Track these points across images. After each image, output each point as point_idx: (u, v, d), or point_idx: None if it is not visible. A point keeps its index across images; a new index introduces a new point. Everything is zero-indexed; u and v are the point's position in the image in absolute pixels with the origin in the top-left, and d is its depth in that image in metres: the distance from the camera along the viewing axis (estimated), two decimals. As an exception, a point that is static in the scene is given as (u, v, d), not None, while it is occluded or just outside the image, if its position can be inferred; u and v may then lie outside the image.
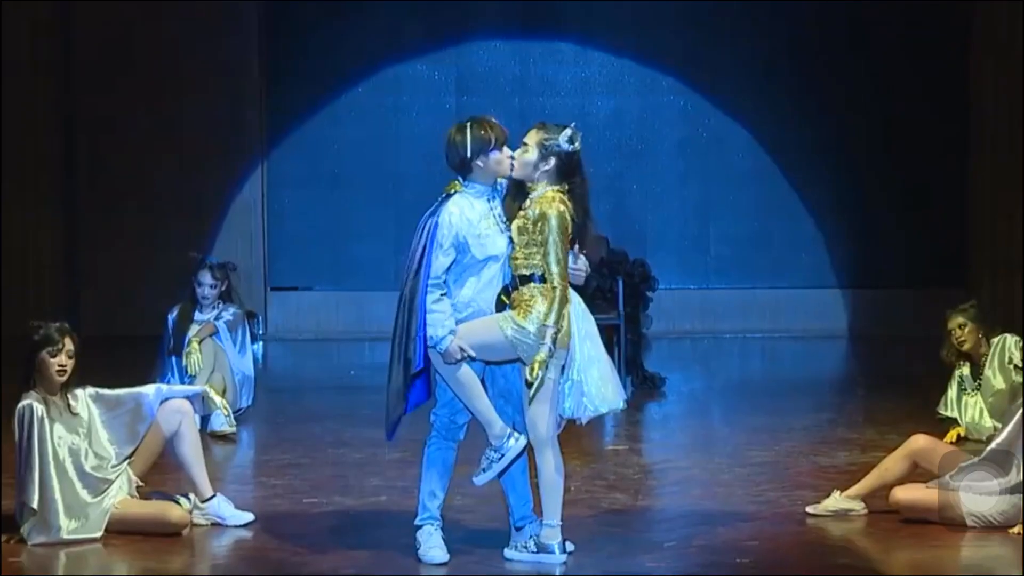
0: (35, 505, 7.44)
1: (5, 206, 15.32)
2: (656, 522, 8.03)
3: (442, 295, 7.06)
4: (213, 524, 7.75)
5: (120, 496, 7.67)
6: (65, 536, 7.47)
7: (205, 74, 15.51)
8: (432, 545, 6.97)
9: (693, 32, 15.87)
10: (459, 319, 7.12)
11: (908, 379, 11.89)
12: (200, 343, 10.67)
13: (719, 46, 15.88)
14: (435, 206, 7.18)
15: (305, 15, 15.76)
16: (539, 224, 6.83)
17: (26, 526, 7.46)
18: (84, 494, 7.66)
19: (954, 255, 15.40)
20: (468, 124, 7.14)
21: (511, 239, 7.18)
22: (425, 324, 7.08)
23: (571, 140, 6.94)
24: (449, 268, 7.09)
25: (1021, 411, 7.45)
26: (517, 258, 6.95)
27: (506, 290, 7.24)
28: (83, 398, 7.72)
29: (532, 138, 6.99)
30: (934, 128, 15.81)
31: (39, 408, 7.54)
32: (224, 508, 7.78)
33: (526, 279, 6.87)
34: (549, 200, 6.76)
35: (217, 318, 10.73)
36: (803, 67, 15.82)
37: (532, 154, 6.91)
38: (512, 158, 7.28)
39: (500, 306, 7.34)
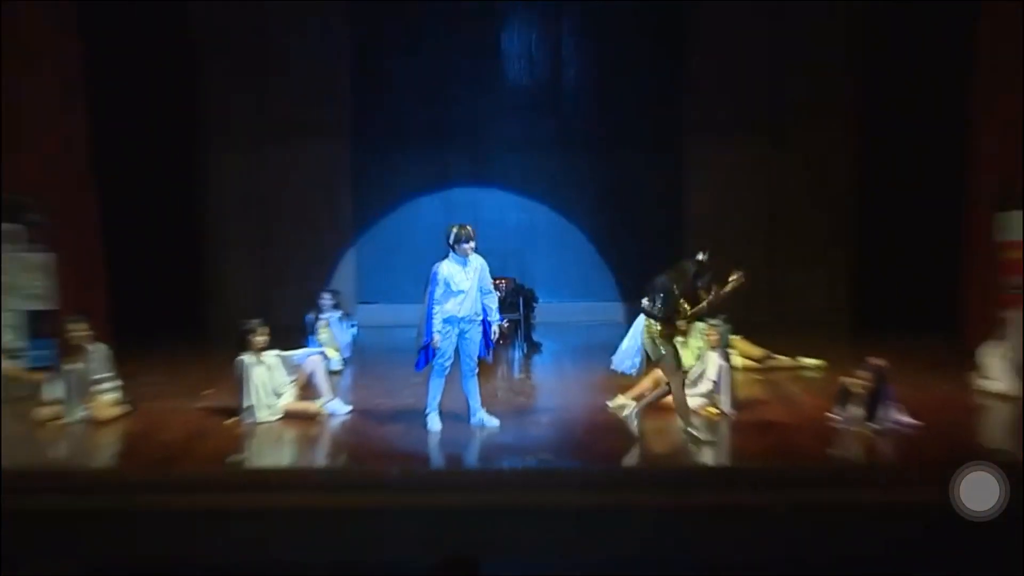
0: (245, 404, 9.71)
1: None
2: (534, 413, 10.34)
3: (438, 308, 9.20)
4: (330, 414, 9.96)
5: (288, 400, 9.99)
6: (263, 419, 9.70)
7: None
8: (433, 421, 9.31)
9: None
10: (447, 317, 9.23)
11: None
12: (326, 326, 12.80)
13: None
14: (438, 263, 9.35)
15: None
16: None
17: (243, 415, 9.72)
18: (271, 399, 9.85)
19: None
20: (456, 226, 9.26)
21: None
22: (431, 323, 9.20)
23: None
24: (443, 294, 9.20)
25: (715, 357, 10.19)
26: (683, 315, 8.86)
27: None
28: (269, 356, 10.01)
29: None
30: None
31: (248, 359, 9.88)
32: (337, 405, 10.05)
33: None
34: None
35: (332, 316, 12.86)
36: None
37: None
38: (474, 250, 9.17)
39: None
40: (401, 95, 15.73)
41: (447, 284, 9.28)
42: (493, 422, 9.63)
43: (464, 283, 9.27)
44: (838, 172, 15.52)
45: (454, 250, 9.32)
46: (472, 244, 9.24)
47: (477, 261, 9.37)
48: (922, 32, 14.02)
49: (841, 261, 15.22)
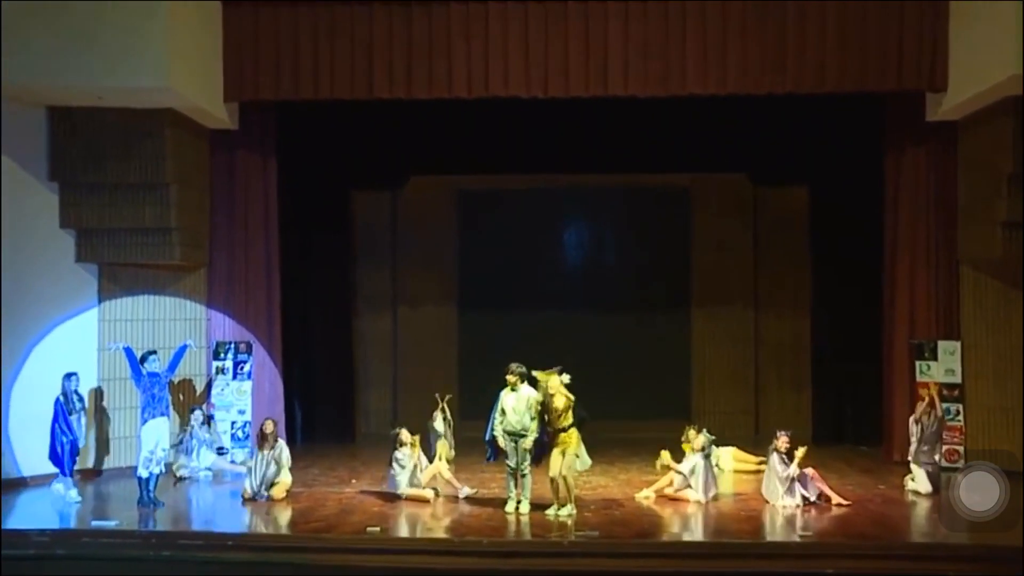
0: (396, 477, 9.81)
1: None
2: (586, 501, 9.83)
3: (500, 421, 9.35)
4: (452, 495, 10.06)
5: (411, 489, 10.14)
6: (401, 492, 9.97)
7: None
8: (510, 506, 9.34)
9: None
10: (505, 429, 9.29)
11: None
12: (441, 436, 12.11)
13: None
14: (500, 390, 9.45)
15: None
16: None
17: (389, 485, 9.89)
18: (408, 479, 10.10)
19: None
20: (510, 366, 9.34)
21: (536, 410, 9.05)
22: (492, 429, 9.37)
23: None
24: (501, 412, 9.35)
25: (699, 458, 9.98)
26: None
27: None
28: (412, 454, 10.12)
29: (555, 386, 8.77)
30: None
31: (399, 454, 9.98)
32: (464, 491, 10.12)
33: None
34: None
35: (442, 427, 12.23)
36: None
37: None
38: (520, 382, 9.07)
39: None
40: (492, 269, 15.06)
41: (503, 407, 9.41)
42: (525, 509, 9.46)
43: (513, 406, 9.33)
44: (799, 329, 14.75)
45: (508, 382, 9.43)
46: (514, 378, 9.22)
47: (526, 392, 9.26)
48: (853, 223, 13.62)
49: (805, 393, 14.71)
